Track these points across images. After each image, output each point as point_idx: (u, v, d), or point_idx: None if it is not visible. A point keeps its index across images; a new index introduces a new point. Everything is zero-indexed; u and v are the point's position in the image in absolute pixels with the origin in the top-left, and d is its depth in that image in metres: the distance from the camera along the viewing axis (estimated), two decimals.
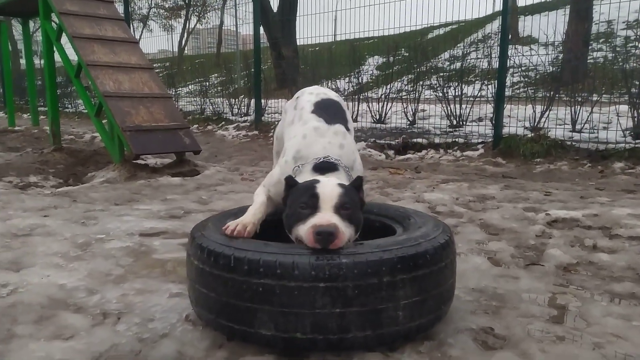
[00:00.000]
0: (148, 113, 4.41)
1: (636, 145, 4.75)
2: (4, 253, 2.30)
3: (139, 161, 4.57)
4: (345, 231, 1.37)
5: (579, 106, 5.78)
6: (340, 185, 1.48)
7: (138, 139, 4.17)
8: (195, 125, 8.97)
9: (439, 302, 1.47)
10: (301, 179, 1.61)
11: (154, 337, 1.53)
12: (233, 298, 1.36)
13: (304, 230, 1.37)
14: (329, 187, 1.44)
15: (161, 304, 1.78)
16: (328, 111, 1.89)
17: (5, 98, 8.62)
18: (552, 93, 6.06)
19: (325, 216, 1.36)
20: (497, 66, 5.71)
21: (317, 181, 1.50)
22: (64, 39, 5.03)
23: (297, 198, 1.45)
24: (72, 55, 4.92)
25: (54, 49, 5.27)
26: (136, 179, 4.23)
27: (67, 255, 2.30)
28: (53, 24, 5.24)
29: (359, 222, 1.47)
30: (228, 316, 1.40)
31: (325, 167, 1.66)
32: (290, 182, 1.54)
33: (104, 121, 4.79)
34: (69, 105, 13.18)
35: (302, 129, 1.83)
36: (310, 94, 2.05)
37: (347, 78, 8.65)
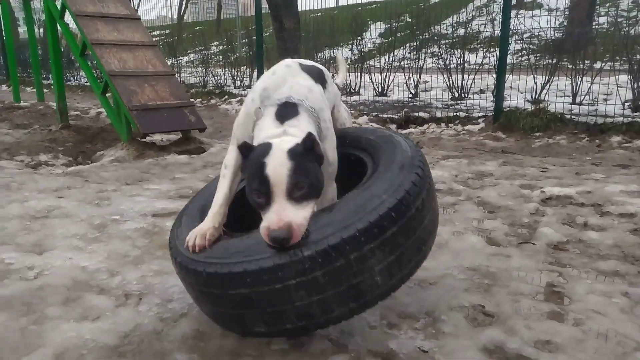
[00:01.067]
0: (153, 91, 4.48)
1: (634, 119, 4.81)
2: (26, 235, 2.44)
3: (145, 139, 4.67)
4: (301, 220, 1.32)
5: (580, 77, 5.80)
6: (290, 154, 1.36)
7: (145, 118, 4.27)
8: (199, 99, 9.01)
9: (417, 247, 1.42)
10: (260, 128, 1.56)
11: (174, 317, 1.68)
12: (219, 307, 1.42)
13: (261, 226, 1.33)
14: (279, 165, 1.34)
15: (178, 285, 1.90)
16: (307, 66, 1.77)
17: (10, 72, 8.61)
18: (554, 61, 6.07)
19: (278, 215, 1.31)
20: (499, 35, 5.69)
21: (267, 152, 1.38)
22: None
23: (250, 179, 1.39)
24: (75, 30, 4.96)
25: (57, 26, 5.30)
26: (144, 157, 4.35)
27: (85, 237, 2.44)
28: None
29: (318, 189, 1.41)
30: (222, 320, 1.48)
31: (286, 113, 1.55)
32: (243, 150, 1.45)
33: (108, 94, 4.85)
34: (72, 79, 13.17)
35: (273, 67, 1.74)
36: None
37: (349, 46, 8.63)
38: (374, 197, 1.37)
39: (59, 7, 5.09)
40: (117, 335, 1.57)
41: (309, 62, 1.87)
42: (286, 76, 1.66)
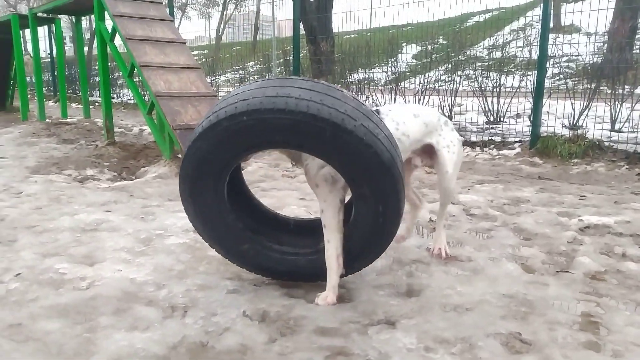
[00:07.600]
0: (196, 112, 4.66)
1: None
2: (77, 247, 2.58)
3: None
4: None
5: (619, 103, 5.71)
6: None
7: (187, 137, 4.43)
8: None
9: None
10: None
11: (219, 330, 1.76)
12: None
13: None
14: None
15: (220, 299, 2.01)
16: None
17: (60, 90, 9.06)
18: (593, 86, 5.98)
19: None
20: (537, 61, 5.67)
21: None
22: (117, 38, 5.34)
23: None
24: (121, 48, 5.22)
25: (107, 48, 5.60)
26: None
27: (132, 250, 2.57)
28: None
29: None
30: None
31: None
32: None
33: (152, 113, 5.05)
34: (114, 95, 13.69)
35: None
36: None
37: (383, 67, 8.72)
38: None
39: (109, 30, 5.38)
40: (166, 345, 1.66)
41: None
42: None
